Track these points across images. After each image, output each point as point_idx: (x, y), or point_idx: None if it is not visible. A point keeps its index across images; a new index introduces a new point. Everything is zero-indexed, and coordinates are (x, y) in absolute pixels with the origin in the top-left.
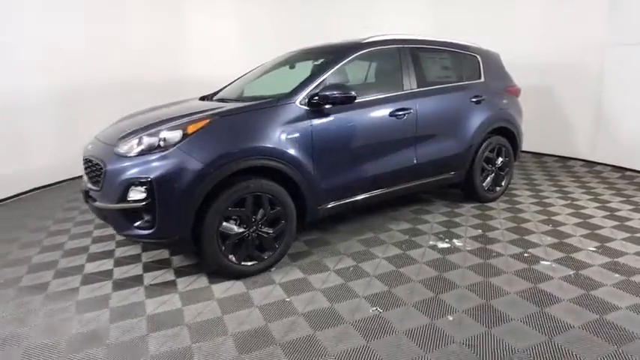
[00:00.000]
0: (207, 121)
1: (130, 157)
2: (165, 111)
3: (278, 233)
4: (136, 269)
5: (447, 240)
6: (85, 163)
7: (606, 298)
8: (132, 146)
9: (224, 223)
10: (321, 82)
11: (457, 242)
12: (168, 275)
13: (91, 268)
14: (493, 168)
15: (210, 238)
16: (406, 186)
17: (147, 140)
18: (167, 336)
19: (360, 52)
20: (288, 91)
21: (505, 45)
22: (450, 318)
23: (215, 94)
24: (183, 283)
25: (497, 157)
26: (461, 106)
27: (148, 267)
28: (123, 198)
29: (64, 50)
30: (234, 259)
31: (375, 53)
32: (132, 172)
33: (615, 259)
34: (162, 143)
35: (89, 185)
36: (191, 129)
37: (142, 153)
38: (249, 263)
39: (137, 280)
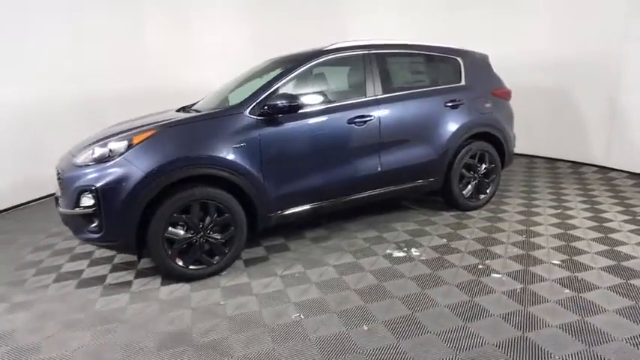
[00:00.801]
0: (153, 132)
1: (82, 166)
2: (135, 122)
3: (227, 239)
4: (103, 270)
5: (405, 249)
6: (56, 173)
7: (540, 315)
8: (86, 156)
9: (170, 229)
10: (272, 91)
11: (415, 251)
12: (129, 276)
13: (68, 267)
14: (475, 175)
15: (155, 242)
16: (371, 194)
17: (98, 151)
18: (105, 330)
19: (319, 59)
20: (239, 102)
21: (516, 44)
22: (366, 328)
23: (194, 104)
24: (138, 284)
25: (481, 164)
26: (433, 111)
27: (116, 268)
28: (76, 204)
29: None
30: (181, 262)
31: (338, 60)
32: (82, 181)
33: (575, 274)
34: (110, 153)
35: (58, 192)
36: (136, 140)
37: (92, 163)
38: (198, 267)
39: (99, 280)
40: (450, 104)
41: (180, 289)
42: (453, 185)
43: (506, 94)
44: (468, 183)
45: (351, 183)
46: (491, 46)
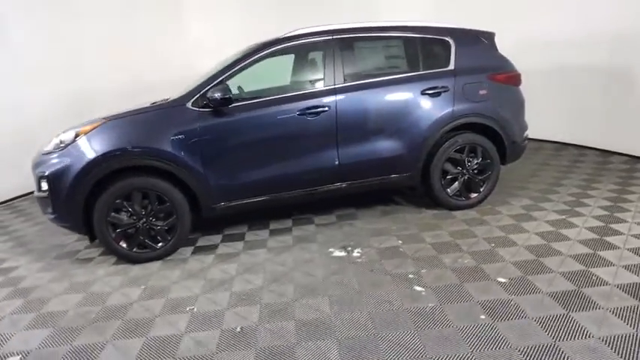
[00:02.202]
0: (98, 124)
1: (45, 154)
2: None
3: (170, 226)
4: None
5: (349, 248)
6: None
7: (419, 342)
8: (49, 145)
9: (113, 214)
10: (217, 82)
11: (356, 252)
12: (95, 254)
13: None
14: (463, 171)
15: (100, 225)
16: (331, 188)
17: (54, 141)
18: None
19: (272, 48)
20: (183, 94)
21: (563, 18)
22: (238, 329)
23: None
24: (108, 261)
25: (473, 159)
26: (405, 100)
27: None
28: (38, 188)
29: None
30: (125, 245)
31: (295, 48)
32: (40, 167)
33: (512, 297)
34: (60, 143)
35: None
36: (82, 131)
37: (51, 151)
38: (141, 251)
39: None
40: (428, 92)
41: (131, 269)
42: (434, 182)
43: (513, 79)
44: (455, 179)
45: (304, 176)
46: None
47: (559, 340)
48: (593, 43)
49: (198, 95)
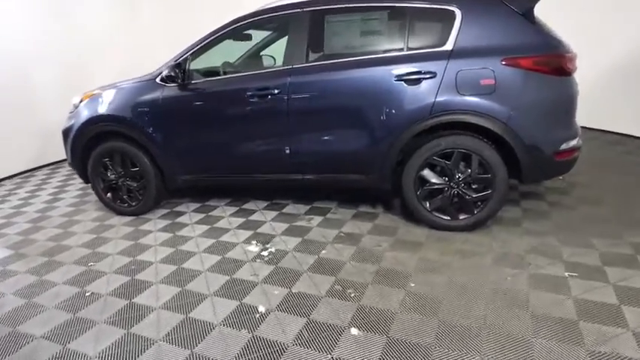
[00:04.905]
0: (96, 92)
1: (69, 113)
2: None
3: (141, 188)
4: None
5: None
6: None
7: None
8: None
9: (102, 169)
10: (183, 58)
11: (269, 250)
12: None
13: None
14: (450, 184)
15: (92, 176)
16: (282, 177)
17: (73, 102)
18: None
19: (238, 24)
20: (158, 69)
21: None
22: None
23: None
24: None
25: (466, 169)
26: (373, 86)
27: None
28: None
29: None
30: (110, 196)
31: (261, 24)
32: (64, 123)
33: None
34: (74, 105)
35: None
36: (85, 97)
37: (70, 111)
38: (122, 205)
39: None
40: (404, 78)
41: (120, 221)
42: (406, 190)
43: (552, 65)
44: (441, 192)
45: (254, 162)
46: None
47: None
48: None
49: (165, 70)
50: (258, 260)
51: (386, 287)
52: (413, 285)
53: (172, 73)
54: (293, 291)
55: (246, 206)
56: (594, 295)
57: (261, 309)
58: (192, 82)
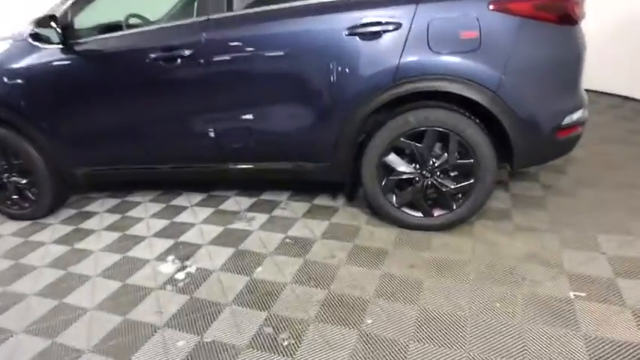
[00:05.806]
0: None
1: None
2: None
3: (32, 186)
4: None
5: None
6: None
7: None
8: None
9: None
10: (63, 14)
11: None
12: None
13: None
14: (421, 172)
15: None
16: (209, 167)
17: None
18: None
19: None
20: None
21: None
22: None
23: None
24: None
25: (442, 153)
26: (318, 43)
27: None
28: None
29: None
30: None
31: None
32: None
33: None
34: None
35: None
36: None
37: None
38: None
39: None
40: (359, 30)
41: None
42: (365, 181)
43: (554, 10)
44: (410, 183)
45: (169, 148)
46: None
47: None
48: None
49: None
50: (169, 287)
51: (333, 327)
52: (370, 322)
53: (45, 29)
54: (205, 340)
55: (175, 202)
56: (609, 329)
57: None
58: (79, 41)
